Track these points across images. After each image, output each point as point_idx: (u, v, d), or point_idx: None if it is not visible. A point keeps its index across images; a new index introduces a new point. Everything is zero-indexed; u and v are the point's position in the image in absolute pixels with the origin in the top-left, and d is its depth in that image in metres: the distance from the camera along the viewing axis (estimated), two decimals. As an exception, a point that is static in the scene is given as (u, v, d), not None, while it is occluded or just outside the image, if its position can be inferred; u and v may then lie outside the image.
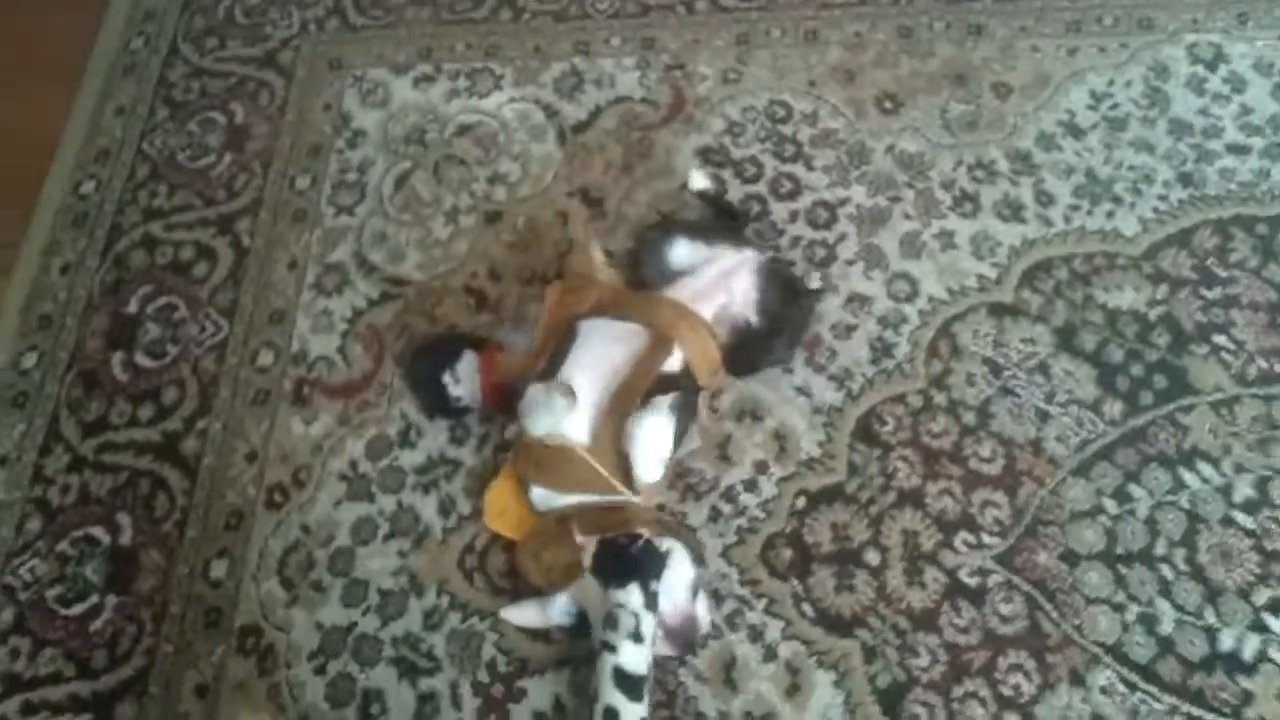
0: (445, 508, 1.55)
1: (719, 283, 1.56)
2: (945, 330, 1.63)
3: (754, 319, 1.55)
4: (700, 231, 1.66)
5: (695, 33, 2.01)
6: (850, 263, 1.72)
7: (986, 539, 1.47)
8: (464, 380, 1.57)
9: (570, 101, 1.94)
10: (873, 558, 1.47)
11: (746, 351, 1.58)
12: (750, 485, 1.54)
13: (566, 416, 1.38)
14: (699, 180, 1.74)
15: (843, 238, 1.74)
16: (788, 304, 1.60)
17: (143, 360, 1.71)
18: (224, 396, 1.67)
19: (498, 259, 1.78)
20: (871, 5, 2.01)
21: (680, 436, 1.45)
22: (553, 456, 1.40)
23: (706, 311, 1.54)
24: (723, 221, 1.73)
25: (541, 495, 1.44)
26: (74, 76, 2.09)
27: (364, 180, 1.88)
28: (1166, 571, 1.44)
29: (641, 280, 1.63)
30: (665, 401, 1.40)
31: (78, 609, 1.51)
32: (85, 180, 1.94)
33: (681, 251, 1.62)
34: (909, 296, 1.67)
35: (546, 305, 1.57)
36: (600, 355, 1.45)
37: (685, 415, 1.46)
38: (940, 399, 1.58)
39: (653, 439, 1.37)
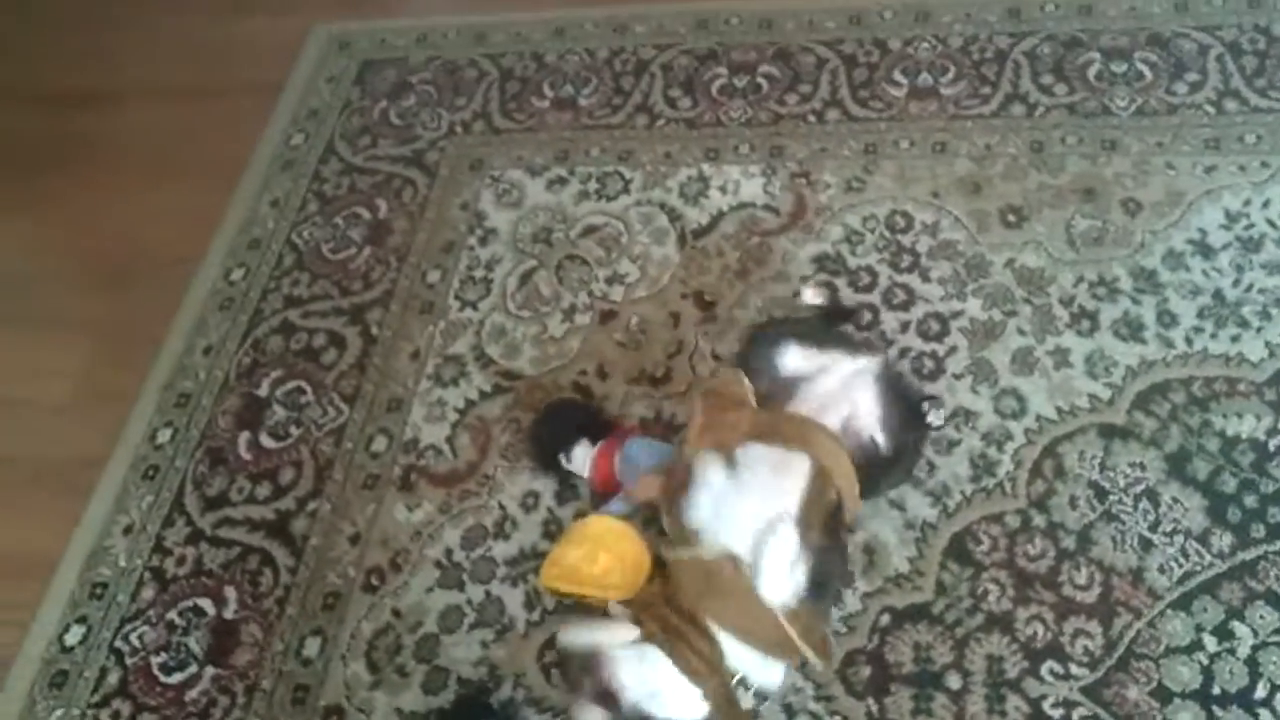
0: (531, 601, 1.56)
1: (840, 394, 1.47)
2: (1051, 450, 1.57)
3: (880, 437, 1.46)
4: (813, 335, 1.58)
5: (824, 141, 2.02)
6: (958, 377, 1.68)
7: (1075, 669, 1.39)
8: (577, 463, 1.59)
9: (694, 206, 1.97)
10: (954, 681, 1.41)
11: (872, 475, 1.46)
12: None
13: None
14: (812, 296, 1.74)
15: (953, 350, 1.71)
16: (910, 424, 1.53)
17: (266, 440, 1.80)
18: (336, 479, 1.73)
19: (607, 357, 1.81)
20: (1004, 118, 1.99)
21: (836, 580, 1.41)
22: (733, 586, 1.29)
23: (832, 426, 1.45)
24: (834, 325, 1.71)
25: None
26: (238, 169, 2.25)
27: (490, 277, 1.95)
28: (1265, 716, 1.33)
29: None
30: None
31: (177, 677, 1.58)
32: (236, 267, 2.07)
33: (793, 357, 1.52)
34: (1016, 414, 1.62)
35: (693, 425, 1.46)
36: (767, 488, 1.35)
37: (839, 559, 1.41)
38: (1040, 521, 1.51)
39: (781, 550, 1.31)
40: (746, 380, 1.48)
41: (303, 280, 2.03)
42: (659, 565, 1.38)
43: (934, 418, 1.59)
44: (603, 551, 1.36)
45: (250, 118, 2.34)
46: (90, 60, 2.56)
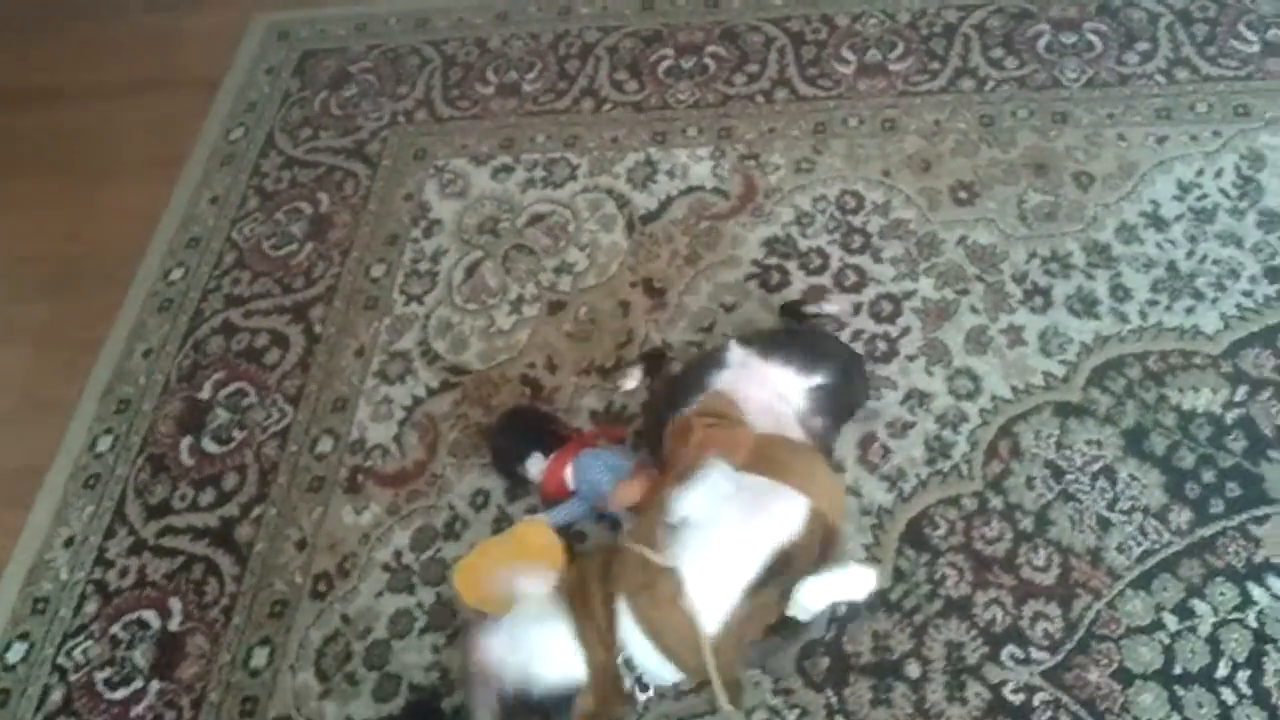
0: (483, 602, 1.53)
1: (745, 386, 1.45)
2: (1007, 430, 1.55)
3: (819, 379, 1.46)
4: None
5: (772, 122, 1.99)
6: (912, 358, 1.65)
7: (1035, 654, 1.37)
8: (532, 473, 1.56)
9: (642, 191, 1.94)
10: (913, 670, 1.39)
11: (840, 402, 1.50)
12: (791, 590, 1.47)
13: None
14: (630, 382, 1.68)
15: (906, 331, 1.68)
16: (823, 346, 1.57)
17: (209, 445, 1.76)
18: (281, 483, 1.69)
19: (557, 349, 1.77)
20: (953, 93, 1.96)
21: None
22: (665, 592, 1.23)
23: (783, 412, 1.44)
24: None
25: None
26: (178, 165, 2.19)
27: (435, 269, 1.91)
28: (1228, 695, 1.32)
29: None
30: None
31: (122, 693, 1.53)
32: (175, 267, 2.01)
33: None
34: (971, 394, 1.60)
35: (692, 441, 1.37)
36: (753, 524, 1.26)
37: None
38: (996, 503, 1.49)
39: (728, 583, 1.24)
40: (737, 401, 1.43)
41: (243, 279, 1.98)
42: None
43: (828, 307, 1.65)
44: (510, 568, 1.33)
45: (190, 113, 2.29)
46: (27, 60, 2.50)
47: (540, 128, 2.08)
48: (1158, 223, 1.72)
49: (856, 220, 1.82)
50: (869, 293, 1.74)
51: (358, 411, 1.76)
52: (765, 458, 1.33)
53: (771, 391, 1.45)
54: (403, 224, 1.99)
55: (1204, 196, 1.73)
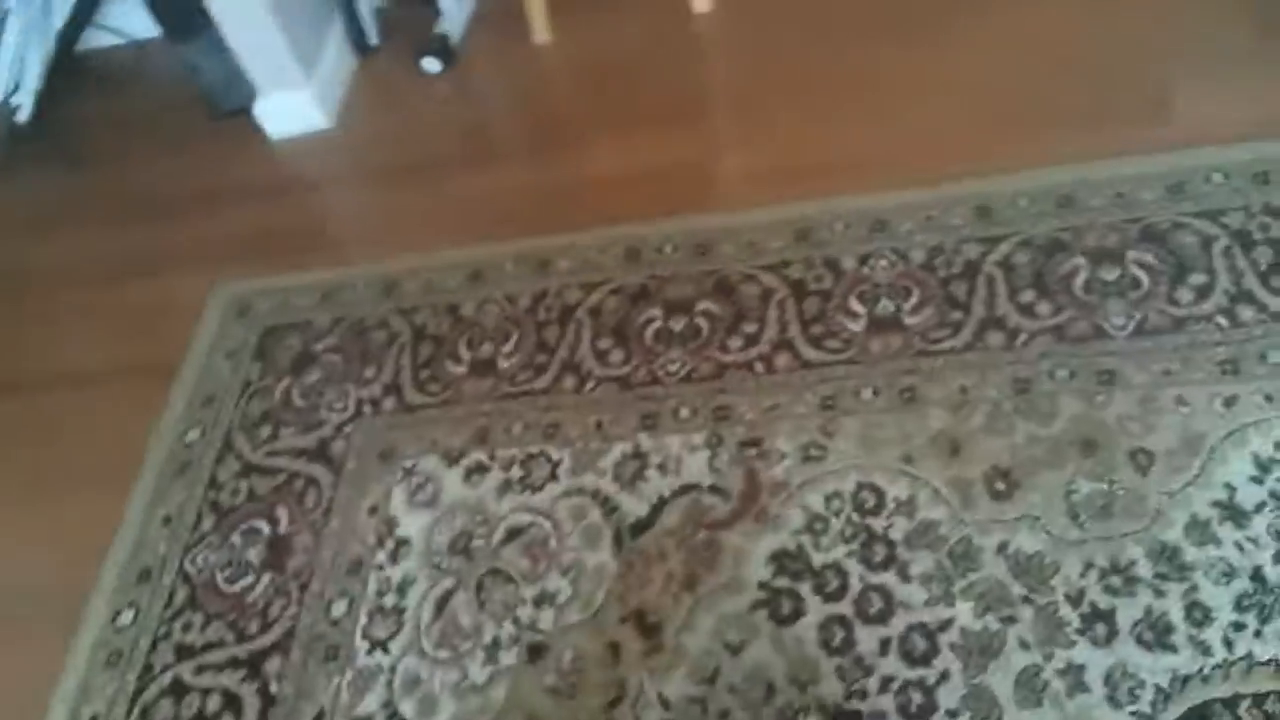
0: None
1: None
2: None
3: None
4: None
5: (774, 396, 1.74)
6: (954, 714, 1.37)
7: None
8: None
9: (630, 492, 1.69)
10: None
11: None
12: None
13: None
14: None
15: (944, 677, 1.40)
16: None
17: None
18: None
19: (538, 709, 1.52)
20: (980, 350, 1.70)
21: None
22: None
23: None
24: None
25: None
26: (131, 473, 1.99)
27: (402, 605, 1.67)
28: None
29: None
30: None
31: None
32: (125, 608, 1.80)
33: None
34: (1029, 772, 1.31)
35: None
36: None
37: None
38: None
39: None
40: None
41: (195, 622, 1.76)
42: None
43: None
44: None
45: (146, 404, 2.09)
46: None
47: (517, 414, 1.86)
48: (1235, 515, 1.43)
49: (878, 524, 1.56)
50: (897, 624, 1.46)
51: (314, 803, 1.51)
52: None
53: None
54: (367, 545, 1.76)
55: (1288, 478, 1.44)
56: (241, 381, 2.07)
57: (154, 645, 1.75)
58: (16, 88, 2.62)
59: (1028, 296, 1.74)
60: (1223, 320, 1.63)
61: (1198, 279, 1.68)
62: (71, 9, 2.64)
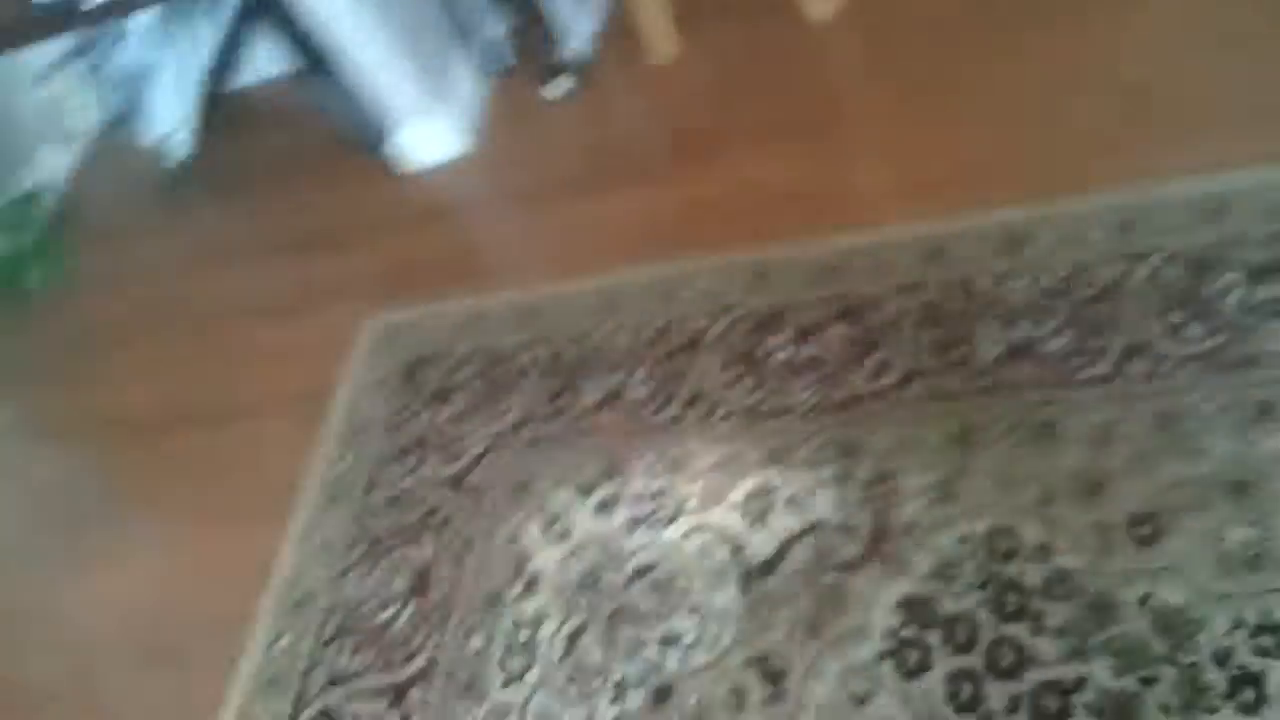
0: None
1: None
2: None
3: None
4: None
5: (904, 427, 1.69)
6: (1085, 792, 1.31)
7: None
8: None
9: (758, 529, 1.68)
10: None
11: None
12: None
13: None
14: None
15: (1079, 744, 1.35)
16: None
17: None
18: None
19: (663, 755, 1.53)
20: (1122, 381, 1.61)
21: None
22: None
23: None
24: None
25: None
26: (284, 506, 2.08)
27: (535, 639, 1.71)
28: None
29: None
30: None
31: None
32: (284, 633, 1.90)
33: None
34: None
35: None
36: None
37: None
38: None
39: None
40: None
41: (347, 648, 1.84)
42: None
43: None
44: None
45: (297, 437, 2.18)
46: (139, 383, 2.48)
47: (647, 444, 1.86)
48: (1405, 570, 1.33)
49: (1011, 570, 1.50)
50: (1029, 679, 1.41)
51: (453, 838, 1.56)
52: None
53: None
54: (504, 578, 1.80)
55: None
56: (390, 410, 2.14)
57: (309, 670, 1.84)
58: (176, 127, 2.76)
59: (1176, 318, 1.64)
60: (1396, 346, 1.50)
61: (1371, 300, 1.55)
62: (218, 50, 2.74)
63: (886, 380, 1.77)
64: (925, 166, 2.03)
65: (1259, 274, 1.63)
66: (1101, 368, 1.63)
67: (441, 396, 2.11)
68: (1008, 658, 1.44)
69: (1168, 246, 1.72)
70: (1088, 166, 1.87)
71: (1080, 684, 1.38)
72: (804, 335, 1.88)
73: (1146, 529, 1.46)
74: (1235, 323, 1.60)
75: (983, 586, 1.50)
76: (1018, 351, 1.70)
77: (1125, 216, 1.78)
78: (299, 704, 1.80)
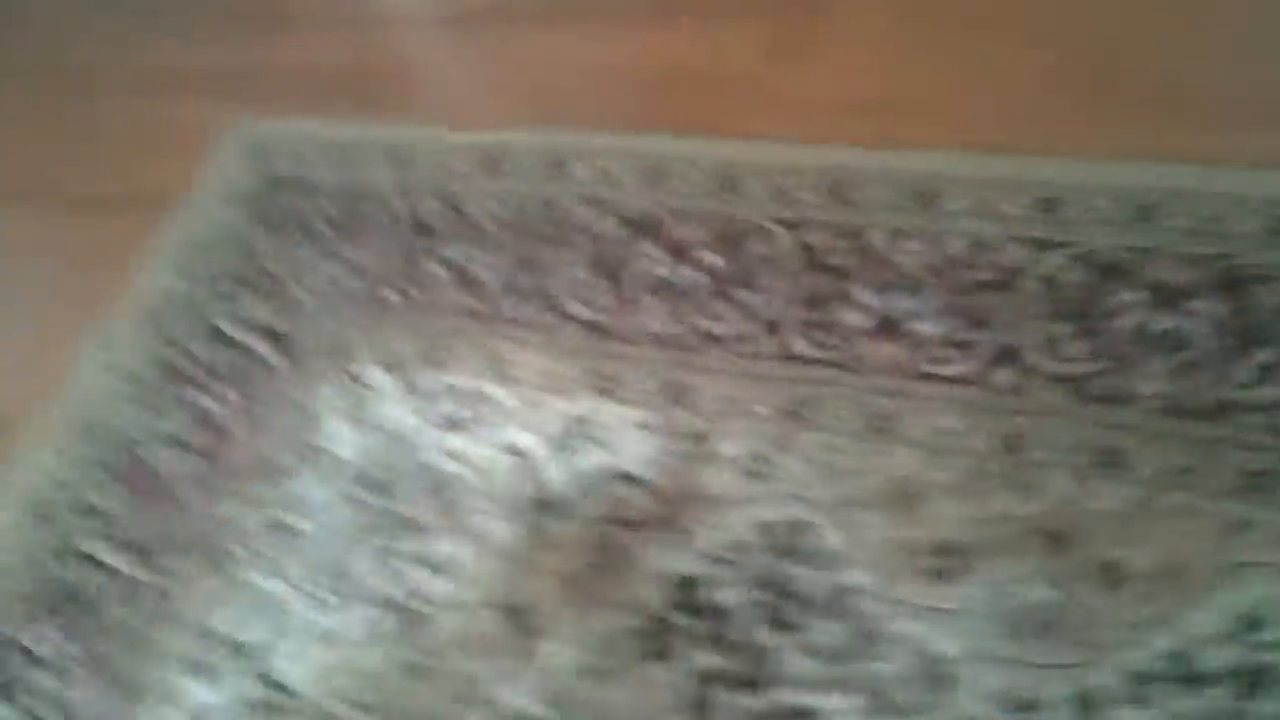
0: None
1: None
2: None
3: None
4: None
5: (741, 388, 1.53)
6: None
7: None
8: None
9: (560, 459, 1.53)
10: None
11: None
12: None
13: None
14: None
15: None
16: None
17: None
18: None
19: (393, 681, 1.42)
20: (980, 388, 1.42)
21: None
22: None
23: None
24: None
25: None
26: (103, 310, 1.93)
27: (296, 528, 1.58)
28: None
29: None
30: None
31: None
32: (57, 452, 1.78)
33: None
34: None
35: None
36: None
37: None
38: None
39: None
40: None
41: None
42: None
43: None
44: None
45: (128, 242, 2.00)
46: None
47: (480, 338, 1.69)
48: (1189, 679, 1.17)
49: (797, 574, 1.35)
50: (768, 697, 1.28)
51: None
52: None
53: None
54: (293, 452, 1.66)
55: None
56: (224, 236, 1.96)
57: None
58: None
59: (1061, 329, 1.43)
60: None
61: (1265, 355, 1.34)
62: None
63: (742, 327, 1.57)
64: (868, 82, 1.77)
65: (1165, 299, 1.41)
66: (965, 366, 1.44)
67: (287, 230, 1.92)
68: (755, 668, 1.30)
69: (1084, 241, 1.50)
70: (1026, 126, 1.62)
71: (815, 716, 1.25)
72: (677, 253, 1.67)
73: (950, 561, 1.31)
74: (1120, 352, 1.39)
75: (763, 586, 1.35)
76: (884, 327, 1.51)
77: (1050, 194, 1.54)
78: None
